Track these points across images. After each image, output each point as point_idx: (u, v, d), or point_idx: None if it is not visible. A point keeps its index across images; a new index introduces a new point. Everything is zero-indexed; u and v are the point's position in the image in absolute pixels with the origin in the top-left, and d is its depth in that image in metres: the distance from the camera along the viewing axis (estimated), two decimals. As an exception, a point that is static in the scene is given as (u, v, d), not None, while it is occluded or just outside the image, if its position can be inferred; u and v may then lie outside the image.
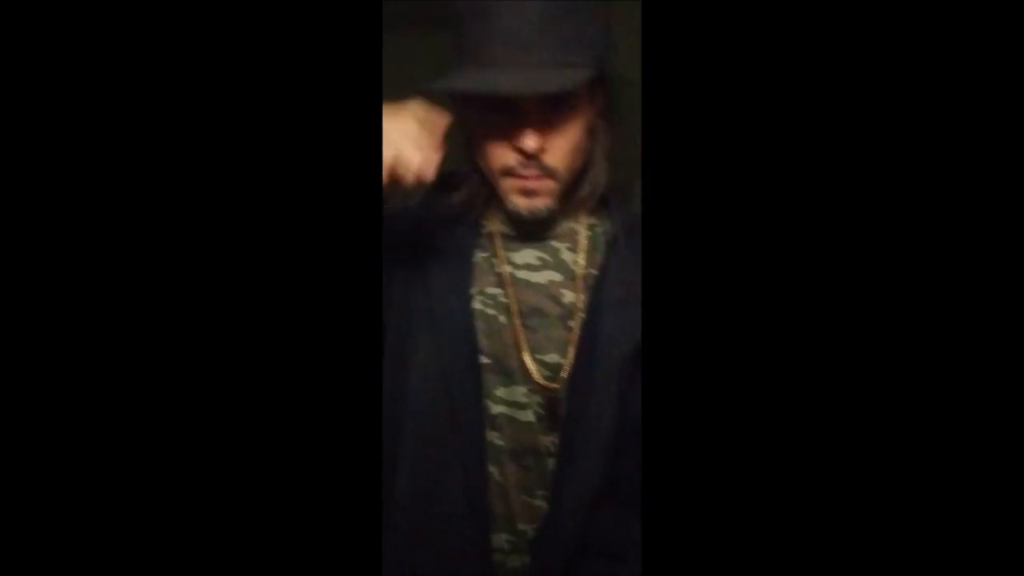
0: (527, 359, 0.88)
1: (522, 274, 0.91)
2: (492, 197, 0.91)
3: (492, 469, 0.88)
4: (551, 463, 0.88)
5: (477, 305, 0.89)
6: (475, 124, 0.86)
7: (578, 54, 0.80)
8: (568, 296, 0.90)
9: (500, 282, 0.90)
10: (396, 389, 0.88)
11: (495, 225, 0.93)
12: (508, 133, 0.83)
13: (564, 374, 0.88)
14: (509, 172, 0.85)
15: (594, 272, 0.90)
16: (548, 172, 0.84)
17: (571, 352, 0.88)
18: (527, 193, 0.85)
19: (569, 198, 0.90)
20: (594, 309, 0.88)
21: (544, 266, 0.91)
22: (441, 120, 0.78)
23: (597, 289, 0.89)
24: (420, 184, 0.76)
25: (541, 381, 0.87)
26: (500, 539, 0.88)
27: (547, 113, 0.82)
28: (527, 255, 0.91)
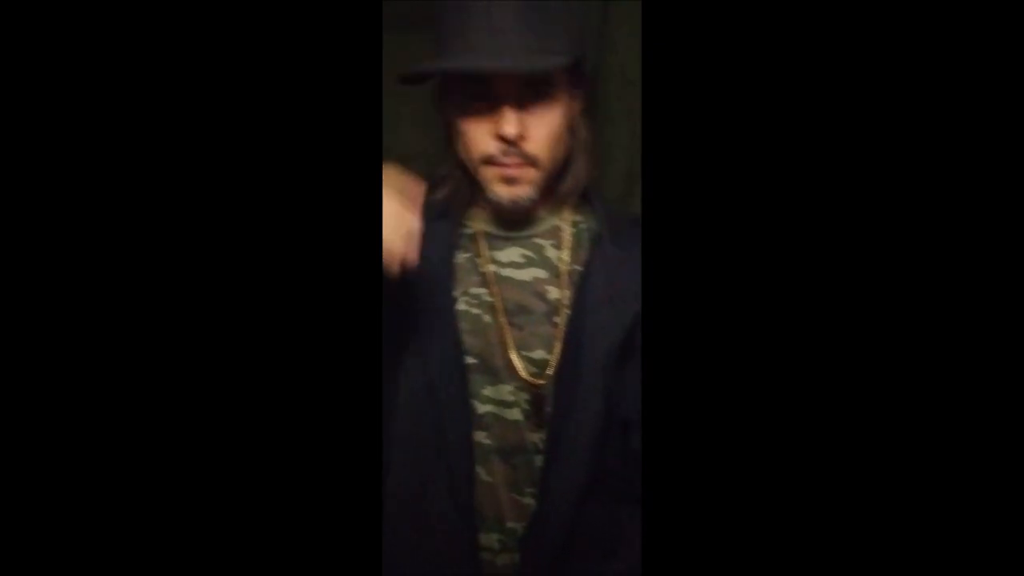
0: (513, 356, 0.88)
1: (507, 272, 0.91)
2: (475, 195, 0.91)
3: (480, 469, 0.88)
4: (539, 460, 0.88)
5: (461, 306, 0.89)
6: (455, 113, 0.86)
7: (556, 43, 0.81)
8: (553, 293, 0.90)
9: (484, 281, 0.90)
10: (384, 393, 0.86)
11: (479, 225, 0.93)
12: (488, 121, 0.83)
13: (550, 370, 0.88)
14: (490, 161, 0.85)
15: (579, 268, 0.91)
16: (529, 160, 0.85)
17: (557, 348, 0.88)
18: (508, 181, 0.85)
19: (551, 192, 0.90)
20: (579, 305, 0.89)
21: (529, 263, 0.91)
22: (417, 186, 0.78)
23: (582, 285, 0.89)
24: (407, 270, 0.76)
25: (528, 378, 0.87)
26: (490, 539, 0.88)
27: (526, 100, 0.83)
28: (511, 253, 0.91)
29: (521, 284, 0.90)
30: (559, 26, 0.82)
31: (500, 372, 0.88)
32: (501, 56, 0.80)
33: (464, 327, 0.88)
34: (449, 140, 0.89)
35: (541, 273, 0.91)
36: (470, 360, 0.88)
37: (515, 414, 0.89)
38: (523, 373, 0.87)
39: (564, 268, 0.91)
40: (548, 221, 0.92)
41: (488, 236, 0.92)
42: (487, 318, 0.89)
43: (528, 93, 0.83)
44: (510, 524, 0.88)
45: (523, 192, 0.86)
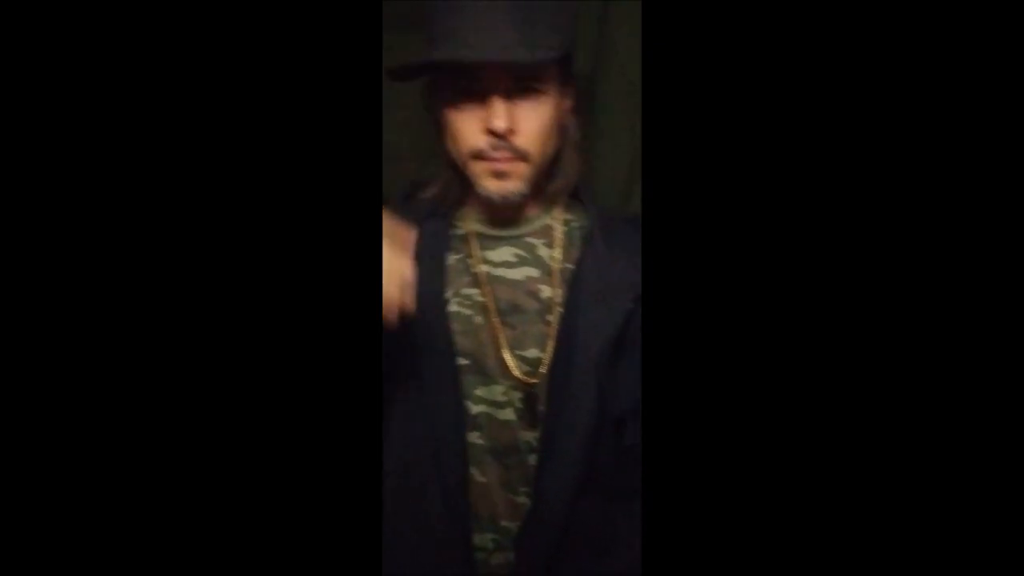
0: (506, 355, 0.87)
1: (499, 271, 0.90)
2: (465, 192, 0.90)
3: (474, 470, 0.88)
4: (532, 459, 0.88)
5: (453, 307, 0.89)
6: (445, 110, 0.86)
7: (545, 39, 0.81)
8: (545, 291, 0.90)
9: (476, 282, 0.90)
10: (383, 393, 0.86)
11: (470, 225, 0.92)
12: (477, 116, 0.83)
13: (543, 369, 0.88)
14: (480, 155, 0.85)
15: (571, 267, 0.91)
16: (519, 154, 0.85)
17: (550, 346, 0.88)
18: (498, 175, 0.85)
19: (542, 190, 0.90)
20: (572, 303, 0.89)
21: (521, 262, 0.91)
22: (408, 233, 0.78)
23: (574, 283, 0.89)
24: (405, 318, 0.75)
25: (521, 377, 0.87)
26: (485, 539, 0.88)
27: (516, 95, 0.83)
28: (503, 253, 0.91)
29: (514, 283, 0.90)
30: (548, 22, 0.82)
31: (492, 372, 0.88)
32: (489, 49, 0.80)
33: (456, 328, 0.88)
34: (439, 137, 0.89)
35: (533, 272, 0.91)
36: (462, 361, 0.88)
37: (508, 414, 0.88)
38: (516, 372, 0.87)
39: (556, 266, 0.91)
40: (539, 220, 0.92)
41: (480, 236, 0.92)
42: (479, 319, 0.89)
43: (518, 87, 0.83)
44: (504, 523, 0.88)
45: (513, 187, 0.86)
